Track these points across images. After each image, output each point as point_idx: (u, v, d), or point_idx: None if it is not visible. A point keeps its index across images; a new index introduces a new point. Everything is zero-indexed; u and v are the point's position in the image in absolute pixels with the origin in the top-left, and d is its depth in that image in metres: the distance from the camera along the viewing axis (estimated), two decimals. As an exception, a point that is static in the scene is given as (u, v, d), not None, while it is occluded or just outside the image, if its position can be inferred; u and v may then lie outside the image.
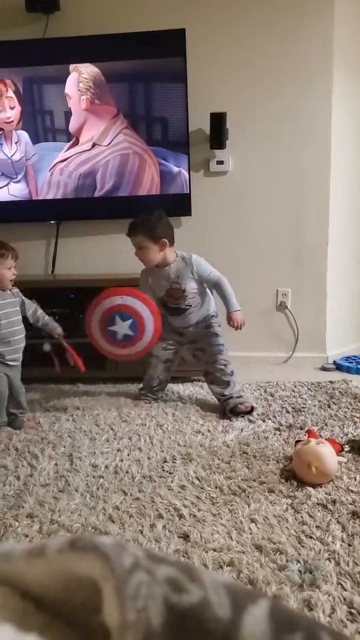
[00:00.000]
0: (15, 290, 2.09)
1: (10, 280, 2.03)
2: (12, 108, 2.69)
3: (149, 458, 1.74)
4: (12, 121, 2.71)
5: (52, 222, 2.86)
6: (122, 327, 2.07)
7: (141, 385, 2.33)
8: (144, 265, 2.15)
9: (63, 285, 2.67)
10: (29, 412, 2.14)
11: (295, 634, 0.25)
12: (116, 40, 2.56)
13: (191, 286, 2.13)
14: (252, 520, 1.36)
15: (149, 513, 1.41)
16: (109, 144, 2.66)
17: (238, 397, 2.12)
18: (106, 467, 1.69)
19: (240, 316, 2.11)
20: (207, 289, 2.20)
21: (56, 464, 1.73)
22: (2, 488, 1.59)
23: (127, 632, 0.23)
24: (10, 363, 2.02)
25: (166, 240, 2.07)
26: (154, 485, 1.56)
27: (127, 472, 1.65)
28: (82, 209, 2.78)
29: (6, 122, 2.71)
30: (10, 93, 2.67)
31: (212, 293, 2.24)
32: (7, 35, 2.65)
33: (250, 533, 1.30)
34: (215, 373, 2.18)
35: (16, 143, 2.73)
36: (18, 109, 2.69)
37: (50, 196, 2.77)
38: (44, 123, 2.70)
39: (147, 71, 2.59)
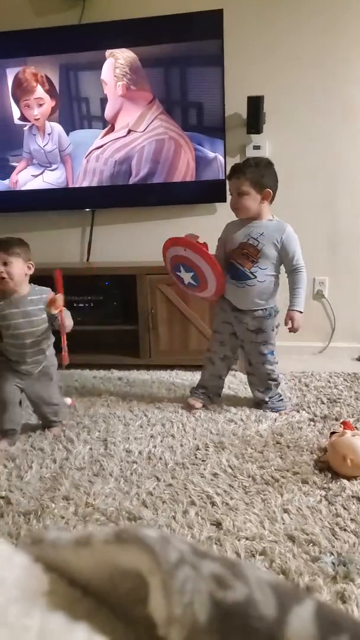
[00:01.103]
0: (37, 290, 1.87)
1: (26, 275, 1.83)
2: (40, 105, 2.72)
3: (181, 445, 1.76)
4: (39, 118, 2.74)
5: (88, 209, 2.88)
6: (186, 277, 1.99)
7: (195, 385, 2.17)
8: (237, 215, 1.91)
9: (98, 273, 2.69)
10: (59, 425, 1.93)
11: (340, 635, 0.25)
12: (152, 24, 2.52)
13: (269, 252, 1.87)
14: (285, 511, 1.35)
15: (181, 500, 1.43)
16: (145, 129, 2.65)
17: (278, 401, 2.03)
18: (140, 452, 1.72)
19: (301, 319, 1.89)
20: (279, 284, 1.95)
21: (91, 449, 1.76)
22: (40, 470, 1.63)
23: (173, 626, 0.23)
24: (25, 373, 1.85)
25: (271, 192, 1.87)
26: (187, 473, 1.58)
27: (160, 458, 1.67)
28: (117, 196, 2.79)
29: (35, 119, 2.75)
30: (40, 91, 2.69)
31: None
32: (44, 22, 2.66)
33: (283, 523, 1.30)
34: (256, 377, 2.04)
35: (49, 134, 2.76)
36: (49, 104, 2.71)
37: (85, 184, 2.79)
38: (80, 110, 2.71)
39: (184, 55, 2.55)
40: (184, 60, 2.56)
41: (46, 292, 1.88)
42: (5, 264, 1.77)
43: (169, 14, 2.51)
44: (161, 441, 1.79)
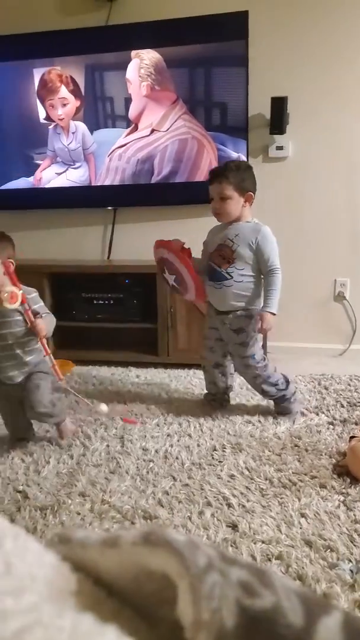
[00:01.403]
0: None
1: (4, 274, 1.64)
2: (64, 105, 2.74)
3: (198, 445, 1.75)
4: (64, 118, 2.76)
5: (110, 207, 2.89)
6: (170, 279, 2.00)
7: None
8: (219, 219, 1.89)
9: (118, 271, 2.71)
10: (63, 422, 1.84)
11: (368, 647, 0.25)
12: (178, 25, 2.53)
13: (244, 253, 1.83)
14: (302, 515, 1.34)
15: (197, 500, 1.43)
16: (168, 129, 2.65)
17: (283, 403, 1.97)
18: (156, 451, 1.72)
19: (272, 321, 1.80)
20: (261, 286, 1.91)
21: (108, 445, 1.77)
22: (57, 466, 1.65)
23: (200, 630, 0.23)
24: (7, 382, 1.73)
25: (252, 194, 1.85)
26: (203, 473, 1.57)
27: (176, 457, 1.67)
28: (139, 195, 2.80)
29: (59, 119, 2.77)
30: (64, 92, 2.71)
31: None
32: (72, 23, 2.68)
33: (300, 528, 1.28)
34: (248, 382, 2.01)
35: (73, 133, 2.78)
36: (73, 104, 2.73)
37: (108, 182, 2.81)
38: (104, 109, 2.73)
39: (208, 55, 2.55)
40: (209, 61, 2.56)
41: (29, 292, 1.69)
42: None
43: (194, 16, 2.50)
44: (178, 440, 1.79)
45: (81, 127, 2.77)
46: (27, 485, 1.53)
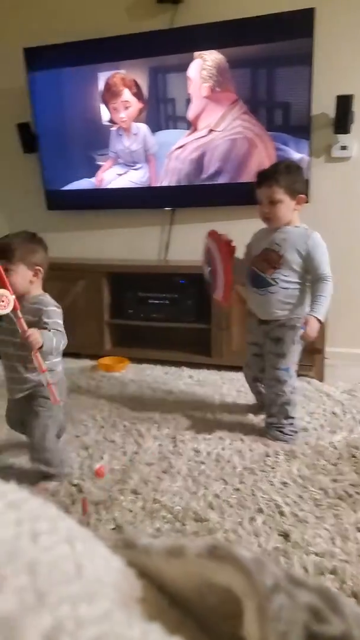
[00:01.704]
0: (37, 298, 1.52)
1: (31, 282, 1.52)
2: (126, 108, 2.79)
3: (250, 450, 1.73)
4: (126, 120, 2.81)
5: (168, 208, 2.92)
6: (206, 271, 1.96)
7: None
8: (269, 224, 1.78)
9: (174, 271, 2.72)
10: (52, 479, 1.57)
11: None
12: (243, 25, 2.50)
13: (292, 259, 1.73)
14: (359, 529, 1.29)
15: (249, 506, 1.41)
16: (224, 129, 2.64)
17: (277, 430, 1.80)
18: (208, 453, 1.71)
19: (317, 328, 1.69)
20: (307, 294, 1.79)
21: (160, 445, 1.79)
22: (110, 462, 1.68)
23: (266, 653, 0.22)
24: (8, 395, 1.62)
25: (304, 197, 1.75)
26: (255, 479, 1.55)
27: (228, 461, 1.66)
28: (197, 195, 2.80)
29: (121, 121, 2.82)
30: (127, 95, 2.76)
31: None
32: (136, 27, 2.72)
33: (357, 543, 1.24)
34: (267, 395, 1.86)
35: (135, 135, 2.83)
36: (136, 106, 2.77)
37: (166, 183, 2.83)
38: (166, 111, 2.75)
39: (272, 55, 2.51)
40: (273, 60, 2.52)
41: (47, 305, 1.51)
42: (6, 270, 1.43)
43: (259, 15, 2.47)
44: (230, 444, 1.78)
45: (143, 128, 2.81)
46: (82, 480, 1.57)
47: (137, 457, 1.71)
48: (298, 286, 1.76)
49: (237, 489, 1.50)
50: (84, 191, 3.00)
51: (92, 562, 0.23)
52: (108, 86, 2.80)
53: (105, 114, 2.85)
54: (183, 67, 2.64)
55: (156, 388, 2.36)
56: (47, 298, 1.53)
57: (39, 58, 2.84)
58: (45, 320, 1.47)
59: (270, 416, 1.83)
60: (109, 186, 2.95)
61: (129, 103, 2.79)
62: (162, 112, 2.76)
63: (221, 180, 2.71)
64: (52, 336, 1.44)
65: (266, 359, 1.84)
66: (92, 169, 2.95)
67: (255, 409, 2.05)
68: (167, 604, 0.27)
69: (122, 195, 2.94)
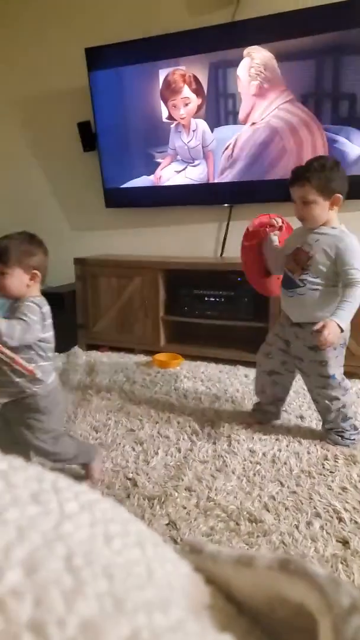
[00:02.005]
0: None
1: (28, 286, 1.42)
2: (186, 105, 2.79)
3: (308, 453, 1.69)
4: (185, 117, 2.80)
5: (225, 205, 2.90)
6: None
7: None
8: (304, 224, 1.70)
9: (230, 269, 2.70)
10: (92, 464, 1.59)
11: None
12: (307, 15, 2.43)
13: (321, 260, 1.64)
14: None
15: (305, 509, 1.38)
16: (273, 124, 2.58)
17: (338, 435, 1.75)
18: (264, 454, 1.69)
19: (336, 332, 1.54)
20: (337, 295, 1.67)
21: (215, 443, 1.78)
22: (165, 458, 1.69)
23: None
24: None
25: (340, 196, 1.63)
26: (313, 482, 1.51)
27: (285, 463, 1.63)
28: (255, 192, 2.76)
29: (181, 118, 2.82)
30: (186, 91, 2.75)
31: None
32: (197, 23, 2.71)
33: None
34: (319, 403, 1.79)
35: (193, 131, 2.82)
36: (195, 102, 2.76)
37: (223, 179, 2.81)
38: (225, 107, 2.73)
39: (338, 44, 2.42)
40: (338, 49, 2.43)
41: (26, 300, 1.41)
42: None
43: (327, 3, 2.39)
44: (287, 445, 1.74)
45: (201, 125, 2.80)
46: (137, 474, 1.59)
47: (191, 454, 1.71)
48: (328, 289, 1.66)
49: (294, 492, 1.47)
50: (142, 189, 3.03)
51: (162, 566, 0.23)
52: (168, 83, 2.81)
53: (164, 111, 2.87)
54: (244, 60, 2.60)
55: (211, 386, 2.36)
56: (37, 300, 1.42)
57: (100, 57, 2.89)
58: (17, 312, 1.39)
59: (327, 422, 1.77)
60: (167, 183, 2.96)
61: (189, 99, 2.79)
62: (222, 107, 2.74)
63: (278, 175, 2.66)
64: (15, 324, 1.34)
65: (306, 368, 1.75)
66: (151, 167, 2.98)
67: (259, 414, 1.94)
68: (235, 613, 0.26)
69: (180, 192, 2.94)
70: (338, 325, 1.53)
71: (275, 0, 2.56)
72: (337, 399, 1.72)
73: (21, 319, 1.37)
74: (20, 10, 3.27)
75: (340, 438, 1.74)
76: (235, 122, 2.72)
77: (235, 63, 2.63)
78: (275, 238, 1.83)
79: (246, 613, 0.28)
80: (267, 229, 1.84)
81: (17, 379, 1.41)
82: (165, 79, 2.81)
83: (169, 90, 2.81)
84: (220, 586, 0.27)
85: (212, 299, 2.75)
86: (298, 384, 2.33)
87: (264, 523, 1.33)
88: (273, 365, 1.85)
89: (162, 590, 0.20)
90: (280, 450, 1.71)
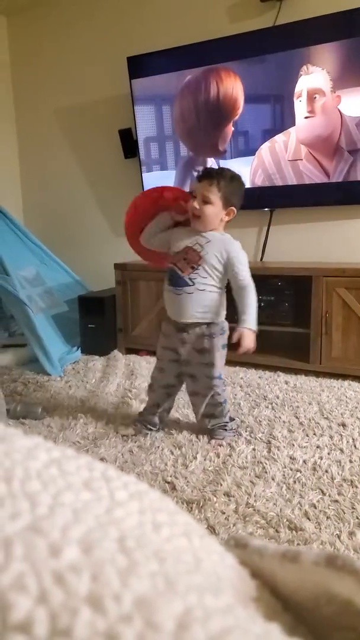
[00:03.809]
0: None
1: None
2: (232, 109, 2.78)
3: (351, 461, 1.65)
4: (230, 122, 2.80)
5: (266, 209, 2.88)
6: None
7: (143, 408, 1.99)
8: (195, 224, 1.70)
9: (271, 273, 2.68)
10: None
11: None
12: (352, 16, 2.40)
13: (211, 261, 1.68)
14: None
15: (348, 519, 1.34)
16: (319, 116, 2.55)
17: (220, 428, 1.83)
18: (304, 462, 1.66)
19: (252, 339, 1.63)
20: (224, 300, 1.76)
21: (254, 449, 1.76)
22: (203, 462, 1.69)
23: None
24: None
25: (235, 210, 1.71)
26: (355, 491, 1.47)
27: (326, 471, 1.59)
28: (296, 195, 2.73)
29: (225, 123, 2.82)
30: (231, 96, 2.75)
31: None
32: (238, 28, 2.72)
33: None
34: (201, 402, 1.83)
35: (236, 137, 2.82)
36: (240, 106, 2.76)
37: (264, 183, 2.79)
38: (273, 111, 2.71)
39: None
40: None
41: None
42: None
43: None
44: (328, 453, 1.71)
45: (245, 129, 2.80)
46: (175, 477, 1.60)
47: (230, 459, 1.70)
48: (216, 291, 1.73)
49: (335, 501, 1.43)
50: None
51: (209, 557, 0.23)
52: (209, 89, 2.82)
53: (205, 117, 2.88)
54: (288, 64, 2.59)
55: (250, 391, 2.34)
56: None
57: (141, 66, 2.94)
58: None
59: (212, 419, 1.84)
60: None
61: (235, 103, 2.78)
62: (264, 112, 2.73)
63: (322, 179, 2.62)
64: None
65: (195, 371, 1.80)
66: (192, 172, 2.99)
67: (139, 418, 1.94)
68: (281, 608, 0.26)
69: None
70: (252, 330, 1.63)
71: (321, 2, 2.53)
72: (219, 394, 1.81)
73: None
74: (63, 20, 3.37)
75: (225, 431, 1.83)
76: (283, 127, 2.70)
77: (280, 66, 2.62)
78: (170, 219, 1.79)
79: (291, 610, 0.28)
80: (175, 209, 1.77)
81: None
82: (207, 85, 2.82)
83: (212, 95, 2.83)
84: (265, 581, 0.27)
85: (252, 304, 2.72)
86: (340, 391, 2.28)
87: (304, 531, 1.31)
88: (168, 379, 1.87)
89: (210, 578, 0.21)
90: (321, 458, 1.67)
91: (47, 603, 0.15)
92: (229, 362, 2.67)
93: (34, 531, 0.18)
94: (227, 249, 1.69)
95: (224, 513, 1.40)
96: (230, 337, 1.71)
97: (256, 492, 1.49)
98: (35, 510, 0.19)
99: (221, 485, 1.54)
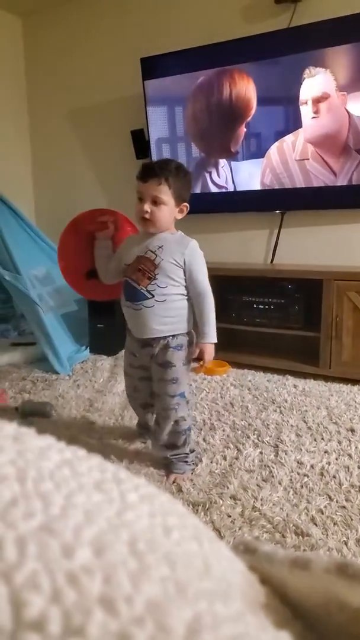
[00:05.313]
0: None
1: None
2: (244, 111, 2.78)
3: (359, 467, 1.64)
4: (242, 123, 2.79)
5: (277, 212, 2.87)
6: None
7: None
8: (145, 227, 1.54)
9: (281, 276, 2.67)
10: None
11: None
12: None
13: (168, 267, 1.51)
14: None
15: (355, 525, 1.33)
16: (324, 115, 2.53)
17: (182, 461, 1.63)
18: (312, 466, 1.65)
19: (212, 352, 1.55)
20: (190, 306, 1.58)
21: (261, 452, 1.76)
22: (210, 465, 1.69)
23: None
24: None
25: (188, 206, 1.55)
26: (363, 498, 1.46)
27: (334, 476, 1.59)
28: (308, 198, 2.72)
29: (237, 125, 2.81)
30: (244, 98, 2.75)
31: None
32: (252, 30, 2.71)
33: None
34: (161, 428, 1.62)
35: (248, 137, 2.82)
36: (252, 108, 2.76)
37: (274, 185, 2.79)
38: (286, 112, 2.71)
39: None
40: None
41: None
42: None
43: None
44: (336, 459, 1.70)
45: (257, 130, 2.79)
46: (182, 480, 1.60)
47: (236, 462, 1.70)
48: (179, 298, 1.55)
49: (343, 507, 1.42)
50: (194, 195, 3.05)
51: (219, 562, 0.23)
52: (222, 90, 2.82)
53: (215, 118, 2.88)
54: (300, 66, 2.57)
55: (258, 395, 2.33)
56: None
57: (154, 67, 2.94)
58: None
59: (174, 449, 1.62)
60: (219, 190, 2.97)
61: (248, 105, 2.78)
62: (276, 113, 2.72)
63: (332, 182, 2.61)
64: None
65: (157, 388, 1.61)
66: (203, 174, 3.00)
67: (139, 436, 1.85)
68: (290, 615, 0.26)
69: (233, 198, 2.94)
70: (211, 343, 1.53)
71: (335, 4, 2.52)
72: (185, 419, 1.61)
73: None
74: (76, 22, 3.39)
75: (185, 464, 1.63)
76: (295, 128, 2.70)
77: (292, 68, 2.61)
78: (107, 242, 1.68)
79: (301, 617, 0.27)
80: (96, 228, 1.68)
81: None
82: (220, 86, 2.82)
83: (225, 97, 2.82)
84: (275, 587, 0.27)
85: (262, 307, 2.72)
86: (349, 396, 2.27)
87: (311, 537, 1.30)
88: (143, 397, 1.73)
89: (220, 583, 0.21)
90: (329, 464, 1.66)
91: (60, 602, 0.15)
92: (236, 364, 2.68)
93: (47, 531, 0.18)
94: (183, 250, 1.52)
95: (230, 516, 1.40)
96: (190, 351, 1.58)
97: (263, 495, 1.49)
98: (48, 511, 0.19)
99: (228, 488, 1.53)
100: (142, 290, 1.53)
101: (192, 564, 0.21)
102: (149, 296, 1.52)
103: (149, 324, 1.54)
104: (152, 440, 1.70)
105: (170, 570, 0.19)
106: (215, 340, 1.55)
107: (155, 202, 1.49)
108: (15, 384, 2.48)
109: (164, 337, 1.56)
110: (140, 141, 3.18)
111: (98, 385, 2.47)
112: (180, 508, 0.26)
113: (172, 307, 1.54)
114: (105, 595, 0.16)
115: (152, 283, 1.52)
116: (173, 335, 1.56)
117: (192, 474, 1.63)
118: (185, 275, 1.53)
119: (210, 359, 1.55)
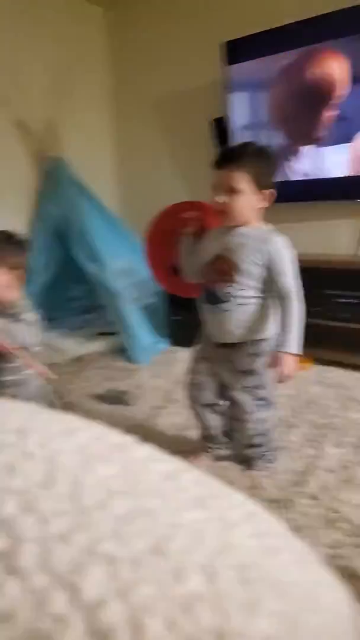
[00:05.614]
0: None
1: (8, 287, 1.46)
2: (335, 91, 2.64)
3: None
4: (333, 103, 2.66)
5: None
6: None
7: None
8: (224, 219, 1.41)
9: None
10: None
11: None
12: None
13: (249, 268, 1.37)
14: None
15: None
16: None
17: (264, 456, 1.59)
18: None
19: (292, 363, 1.35)
20: (272, 310, 1.45)
21: (342, 452, 1.70)
22: (288, 463, 1.65)
23: None
24: None
25: (274, 192, 1.40)
26: None
27: None
28: None
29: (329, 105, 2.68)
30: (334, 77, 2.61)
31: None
32: (343, 3, 2.55)
33: None
34: (243, 429, 1.55)
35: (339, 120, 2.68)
36: (344, 87, 2.62)
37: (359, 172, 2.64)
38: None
39: None
40: None
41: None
42: None
43: None
44: None
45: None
46: (262, 477, 1.58)
47: (316, 461, 1.65)
48: (260, 302, 1.42)
49: None
50: (276, 184, 2.97)
51: (326, 590, 0.22)
52: (309, 71, 2.70)
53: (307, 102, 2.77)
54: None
55: (341, 393, 2.24)
56: (26, 302, 1.51)
57: (240, 50, 2.87)
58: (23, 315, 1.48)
59: (254, 446, 1.58)
60: (304, 177, 2.87)
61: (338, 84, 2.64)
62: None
63: None
64: (23, 327, 1.46)
65: (238, 394, 1.52)
66: (285, 161, 2.91)
67: (206, 443, 1.67)
68: None
69: (317, 186, 2.83)
70: (293, 354, 1.34)
71: None
72: (266, 421, 1.55)
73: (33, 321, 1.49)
74: (157, 8, 3.40)
75: (265, 461, 1.60)
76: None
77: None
78: (190, 239, 1.55)
79: None
80: (182, 224, 1.56)
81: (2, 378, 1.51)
82: (312, 66, 2.69)
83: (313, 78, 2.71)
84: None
85: (346, 301, 2.60)
86: None
87: (395, 545, 1.24)
88: (207, 397, 1.60)
89: (329, 616, 0.20)
90: None
91: (176, 631, 0.15)
92: (318, 360, 2.59)
93: (157, 553, 0.18)
94: (267, 247, 1.37)
95: (308, 516, 1.37)
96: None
97: (343, 497, 1.44)
98: (157, 530, 0.19)
99: (307, 487, 1.50)
100: (220, 293, 1.44)
101: (301, 593, 0.21)
102: (228, 299, 1.42)
103: (228, 328, 1.45)
104: (233, 441, 1.65)
105: (282, 603, 0.18)
106: (296, 351, 1.36)
107: (231, 191, 1.36)
108: (96, 373, 2.58)
109: (245, 342, 1.46)
110: (220, 129, 3.14)
111: (175, 376, 2.51)
112: (281, 528, 0.25)
113: (253, 311, 1.43)
114: (218, 628, 0.16)
115: (231, 285, 1.41)
116: (256, 340, 1.46)
117: (271, 471, 1.60)
118: (266, 276, 1.40)
119: (288, 372, 1.35)
